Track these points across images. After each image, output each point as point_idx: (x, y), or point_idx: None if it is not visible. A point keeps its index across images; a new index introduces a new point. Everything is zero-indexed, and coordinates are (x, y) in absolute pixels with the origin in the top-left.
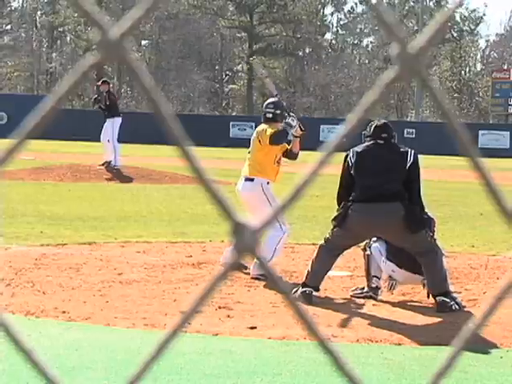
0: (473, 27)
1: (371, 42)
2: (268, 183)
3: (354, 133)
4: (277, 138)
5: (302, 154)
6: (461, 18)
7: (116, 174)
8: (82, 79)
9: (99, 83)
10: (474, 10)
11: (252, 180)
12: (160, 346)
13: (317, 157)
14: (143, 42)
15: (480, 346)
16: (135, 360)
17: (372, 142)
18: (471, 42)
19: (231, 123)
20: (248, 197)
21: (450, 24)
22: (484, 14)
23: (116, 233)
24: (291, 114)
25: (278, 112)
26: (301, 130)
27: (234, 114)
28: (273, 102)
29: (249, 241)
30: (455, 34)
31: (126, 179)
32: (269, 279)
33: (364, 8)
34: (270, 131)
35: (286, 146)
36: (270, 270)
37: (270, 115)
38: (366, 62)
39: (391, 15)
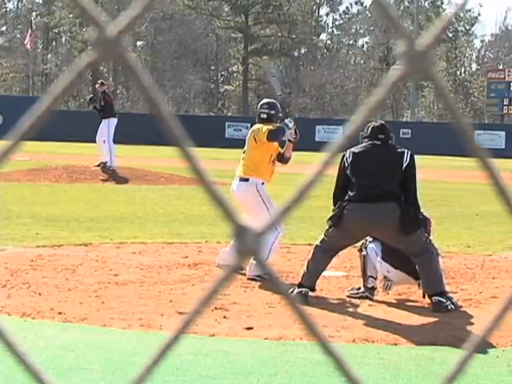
0: (468, 27)
1: (366, 43)
2: (263, 183)
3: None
4: (274, 134)
5: (298, 154)
6: (456, 18)
7: (111, 174)
8: (78, 79)
9: (98, 85)
10: (469, 10)
11: (247, 180)
12: (163, 349)
13: (321, 157)
14: (138, 43)
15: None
16: (131, 361)
17: (369, 142)
18: (466, 42)
19: (227, 124)
20: (242, 197)
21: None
22: (479, 14)
23: (112, 234)
24: (289, 117)
25: (273, 112)
26: (295, 133)
27: (229, 114)
28: (267, 103)
29: (251, 244)
30: (450, 35)
31: (122, 180)
32: (269, 280)
33: (359, 8)
34: (266, 128)
35: (280, 149)
36: (270, 270)
37: (265, 115)
38: (362, 62)
39: (396, 12)
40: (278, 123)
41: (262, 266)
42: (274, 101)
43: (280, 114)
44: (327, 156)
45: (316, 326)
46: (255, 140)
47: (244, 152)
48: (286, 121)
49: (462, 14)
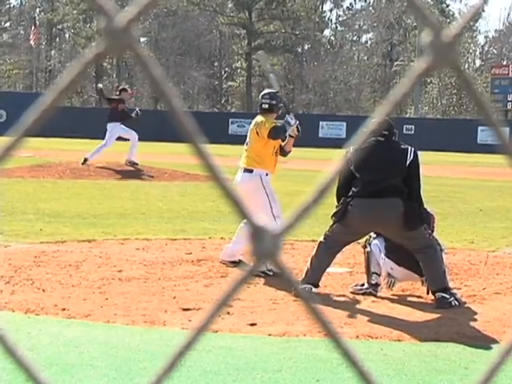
0: (472, 23)
1: (370, 39)
2: (267, 175)
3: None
4: (275, 133)
5: (301, 150)
6: (459, 13)
7: (115, 171)
8: (85, 71)
9: (125, 92)
10: (473, 6)
11: (251, 171)
12: (177, 356)
13: (341, 153)
14: (142, 39)
15: (480, 341)
16: (135, 357)
17: (373, 139)
18: (470, 38)
19: (230, 120)
20: (246, 189)
21: (448, 20)
22: (483, 10)
23: (115, 230)
24: (291, 113)
25: (274, 102)
26: (297, 130)
27: (233, 110)
28: (269, 93)
29: (269, 246)
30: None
31: (126, 176)
32: (275, 277)
33: (363, 4)
34: (268, 125)
35: (281, 141)
36: (289, 273)
37: (267, 106)
38: (365, 58)
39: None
40: (279, 114)
41: (280, 268)
42: (276, 91)
43: (281, 105)
44: (348, 152)
45: (329, 322)
46: (257, 133)
47: (246, 144)
48: (288, 118)
49: (465, 10)
